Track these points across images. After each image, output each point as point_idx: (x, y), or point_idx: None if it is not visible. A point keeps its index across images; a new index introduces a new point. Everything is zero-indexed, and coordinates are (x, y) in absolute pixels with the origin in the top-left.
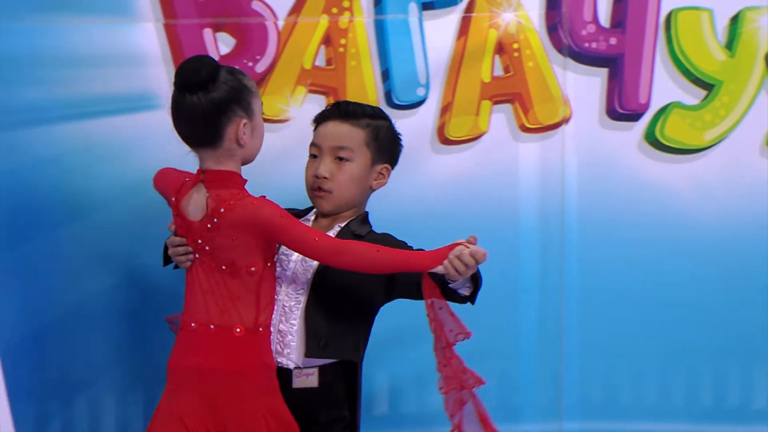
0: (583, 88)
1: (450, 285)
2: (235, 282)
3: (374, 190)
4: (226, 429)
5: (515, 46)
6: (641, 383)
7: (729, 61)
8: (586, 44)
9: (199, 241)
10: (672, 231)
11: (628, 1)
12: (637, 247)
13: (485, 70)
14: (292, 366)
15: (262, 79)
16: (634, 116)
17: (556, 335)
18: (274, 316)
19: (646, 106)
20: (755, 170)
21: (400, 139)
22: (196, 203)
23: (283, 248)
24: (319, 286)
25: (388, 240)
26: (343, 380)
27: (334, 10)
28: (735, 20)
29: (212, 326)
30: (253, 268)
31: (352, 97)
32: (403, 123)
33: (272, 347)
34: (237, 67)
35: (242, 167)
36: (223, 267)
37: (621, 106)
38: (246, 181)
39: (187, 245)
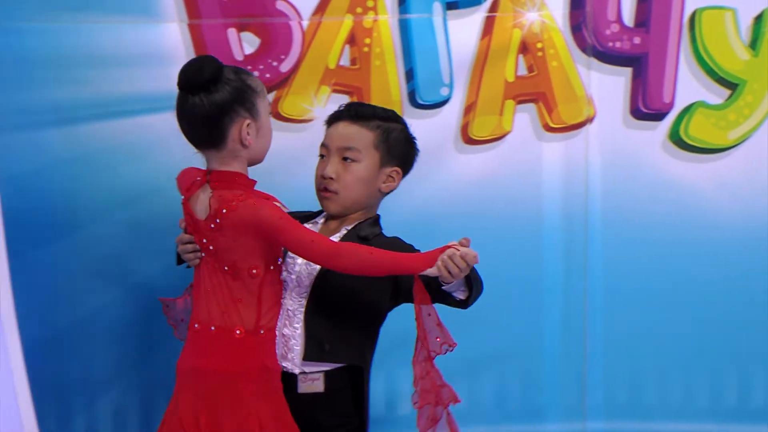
0: (607, 87)
1: (444, 287)
2: (236, 284)
3: (384, 194)
4: (221, 430)
5: (539, 45)
6: (665, 383)
7: (753, 60)
8: (610, 44)
9: (204, 241)
10: (696, 230)
11: (652, 1)
12: (661, 246)
13: (509, 69)
14: (297, 371)
15: (287, 78)
16: (659, 116)
17: (579, 335)
18: (279, 319)
19: (670, 106)
20: None
21: (414, 143)
22: (202, 203)
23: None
24: (320, 290)
25: (395, 243)
26: (349, 385)
27: (359, 10)
28: (759, 20)
29: (213, 327)
30: (254, 271)
31: (375, 96)
32: (426, 123)
33: (278, 351)
34: (261, 66)
35: (259, 166)
36: (225, 268)
37: (645, 106)
38: (254, 182)
39: (195, 243)
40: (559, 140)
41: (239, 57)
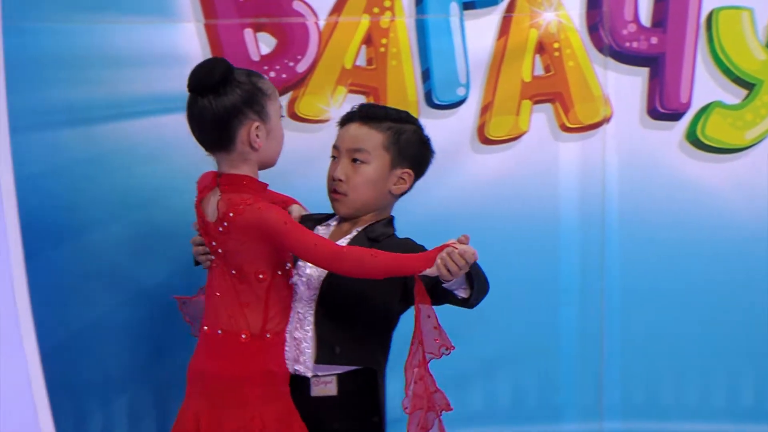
0: (623, 87)
1: (444, 285)
2: (243, 287)
3: (395, 195)
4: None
5: (556, 45)
6: (682, 383)
7: None
8: (627, 44)
9: (214, 244)
10: (713, 230)
11: (669, 1)
12: (677, 246)
13: (526, 69)
14: (309, 374)
15: (303, 78)
16: (675, 116)
17: (596, 335)
18: (290, 323)
19: (687, 106)
20: None
21: (428, 145)
22: (212, 206)
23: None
24: (329, 292)
25: (407, 245)
26: (363, 389)
27: (376, 10)
28: None
29: (220, 331)
30: (261, 276)
31: (392, 96)
32: (443, 123)
33: (290, 354)
34: (277, 66)
35: (275, 167)
36: (233, 272)
37: (662, 106)
38: (264, 185)
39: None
40: (575, 140)
41: (255, 57)
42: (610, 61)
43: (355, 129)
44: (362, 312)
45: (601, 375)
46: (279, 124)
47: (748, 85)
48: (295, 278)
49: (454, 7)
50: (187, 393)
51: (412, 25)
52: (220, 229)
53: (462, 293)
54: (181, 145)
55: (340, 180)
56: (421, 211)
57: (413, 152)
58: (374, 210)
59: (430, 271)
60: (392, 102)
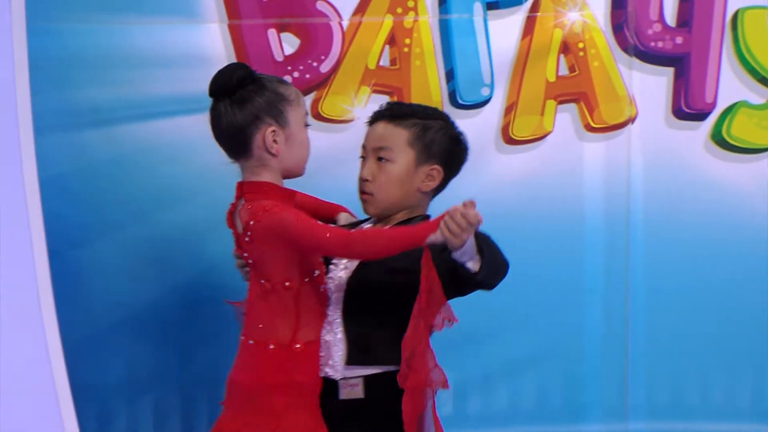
0: (649, 87)
1: (454, 256)
2: (273, 297)
3: (425, 193)
4: None
5: (580, 45)
6: (708, 383)
7: None
8: (652, 43)
9: (245, 255)
10: (738, 231)
11: (694, 1)
12: (702, 247)
13: (550, 69)
14: (338, 377)
15: (327, 79)
16: (701, 116)
17: (621, 335)
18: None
19: (713, 106)
20: None
21: (458, 141)
22: (240, 215)
23: (334, 258)
24: (354, 292)
25: None
26: (392, 390)
27: (399, 10)
28: None
29: (252, 341)
30: (287, 283)
31: (416, 97)
32: (467, 123)
33: (322, 359)
34: (301, 66)
35: (300, 174)
36: (262, 281)
37: (687, 106)
38: (290, 192)
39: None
40: (600, 140)
41: (279, 58)
42: (635, 61)
43: (381, 128)
44: (390, 311)
45: (625, 375)
46: (302, 130)
47: None
48: (328, 283)
49: (478, 7)
50: (224, 403)
51: (436, 25)
52: (246, 239)
53: (472, 265)
54: (205, 145)
55: (367, 180)
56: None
57: (441, 148)
58: (404, 208)
59: (435, 237)
60: (416, 102)
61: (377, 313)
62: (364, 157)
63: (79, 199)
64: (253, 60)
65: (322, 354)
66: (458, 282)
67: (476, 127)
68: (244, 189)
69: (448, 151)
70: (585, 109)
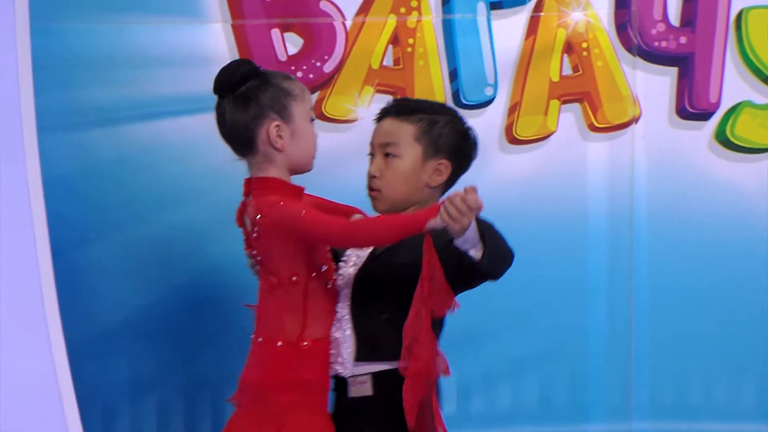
0: (652, 87)
1: (456, 244)
2: (281, 293)
3: (434, 188)
4: None
5: (584, 45)
6: (711, 383)
7: None
8: (656, 43)
9: (254, 252)
10: (742, 231)
11: (698, 0)
12: (706, 247)
13: (554, 69)
14: (347, 374)
15: (330, 79)
16: (705, 115)
17: (624, 335)
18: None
19: (717, 105)
20: None
21: (467, 135)
22: (248, 212)
23: (344, 254)
24: (361, 287)
25: (444, 236)
26: (400, 387)
27: (402, 10)
28: None
29: (261, 339)
30: (294, 278)
31: (419, 96)
32: (470, 123)
33: (332, 357)
34: (304, 66)
35: (308, 169)
36: (270, 277)
37: (691, 106)
38: (297, 188)
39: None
40: (604, 140)
41: (282, 57)
42: (639, 60)
43: (388, 123)
44: (399, 306)
45: (629, 375)
46: (307, 125)
47: None
48: (338, 280)
49: (481, 7)
50: (236, 402)
51: (439, 24)
52: (254, 235)
53: (475, 253)
54: (209, 145)
55: (375, 176)
56: None
57: (448, 142)
58: (413, 204)
59: (435, 222)
60: None
61: (385, 308)
62: (372, 155)
63: (83, 199)
64: (256, 60)
65: (332, 351)
66: (464, 273)
67: (480, 127)
68: (251, 185)
69: (455, 146)
70: (588, 109)
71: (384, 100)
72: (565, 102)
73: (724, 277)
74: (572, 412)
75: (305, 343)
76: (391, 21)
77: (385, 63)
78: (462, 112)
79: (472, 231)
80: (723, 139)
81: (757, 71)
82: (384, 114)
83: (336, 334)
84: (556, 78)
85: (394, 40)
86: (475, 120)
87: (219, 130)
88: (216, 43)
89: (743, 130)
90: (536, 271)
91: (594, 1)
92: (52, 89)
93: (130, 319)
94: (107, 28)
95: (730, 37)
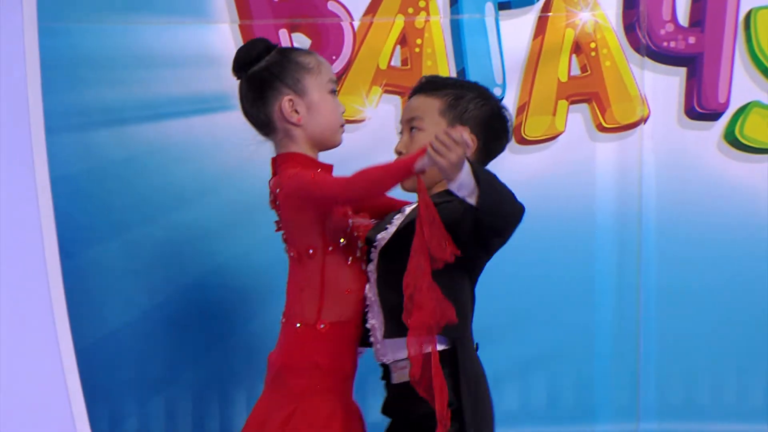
0: (661, 87)
1: (451, 188)
2: (300, 270)
3: None
4: (268, 424)
5: (592, 45)
6: (720, 384)
7: None
8: (665, 43)
9: (282, 232)
10: (751, 231)
11: (707, 0)
12: (715, 247)
13: (562, 69)
14: (387, 360)
15: (338, 79)
16: (714, 116)
17: (633, 335)
18: (368, 312)
19: (726, 106)
20: None
21: (495, 112)
22: (272, 190)
23: (375, 238)
24: (384, 262)
25: (458, 209)
26: (447, 368)
27: (410, 10)
28: None
29: (284, 319)
30: (311, 251)
31: None
32: None
33: (374, 346)
34: None
35: (334, 143)
36: (291, 254)
37: (700, 106)
38: (321, 164)
39: None
40: (612, 140)
41: None
42: (647, 60)
43: (416, 100)
44: None
45: (637, 375)
46: (325, 98)
47: None
48: (369, 267)
49: (490, 7)
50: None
51: (447, 25)
52: (277, 211)
53: (471, 200)
54: (216, 145)
55: (401, 153)
56: None
57: (474, 117)
58: (439, 179)
59: (423, 161)
60: None
61: None
62: (401, 132)
63: (90, 200)
64: None
65: (371, 339)
66: (478, 233)
67: None
68: (274, 163)
69: (482, 121)
70: (597, 109)
71: (392, 101)
72: (573, 102)
73: (732, 278)
74: (579, 412)
75: (322, 326)
76: (399, 21)
77: (392, 63)
78: None
79: (467, 175)
80: (732, 139)
81: (766, 71)
82: (414, 91)
83: (372, 321)
84: (564, 78)
85: (402, 41)
86: None
87: (242, 111)
88: (223, 44)
89: (752, 130)
90: (544, 271)
91: (602, 1)
92: (59, 90)
93: (138, 319)
94: (114, 28)
95: (739, 37)
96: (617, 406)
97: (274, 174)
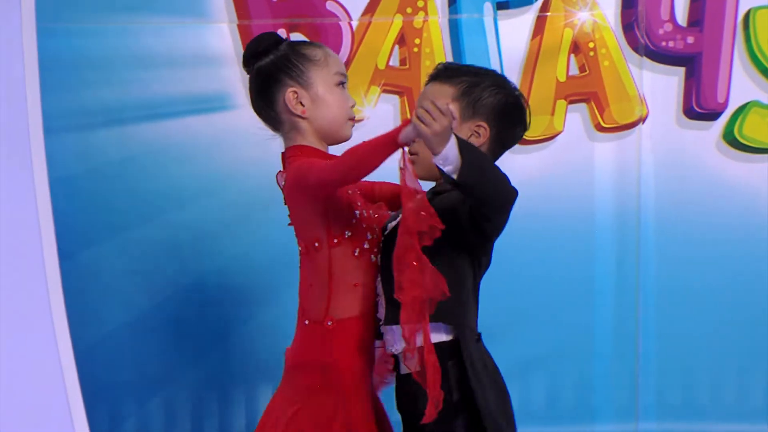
0: (659, 87)
1: (436, 162)
2: (309, 264)
3: None
4: (278, 422)
5: (591, 45)
6: (719, 384)
7: None
8: (663, 43)
9: (293, 227)
10: (750, 230)
11: (706, 0)
12: (714, 247)
13: (560, 69)
14: (396, 351)
15: None
16: (712, 115)
17: (632, 336)
18: (379, 309)
19: (724, 105)
20: None
21: (510, 101)
22: (281, 184)
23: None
24: (386, 251)
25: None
26: (446, 360)
27: (409, 10)
28: None
29: (298, 316)
30: (316, 244)
31: None
32: None
33: (384, 337)
34: None
35: (343, 137)
36: (300, 248)
37: (699, 105)
38: (328, 157)
39: None
40: (610, 140)
41: None
42: (646, 60)
43: (430, 87)
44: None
45: (636, 375)
46: (331, 90)
47: None
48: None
49: (488, 7)
50: None
51: (446, 25)
52: (286, 204)
53: (453, 174)
54: (215, 146)
55: (413, 141)
56: None
57: (488, 105)
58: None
59: (408, 130)
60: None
61: None
62: None
63: (89, 200)
64: None
65: (382, 331)
66: (471, 216)
67: None
68: (284, 158)
69: (496, 110)
70: (595, 109)
71: (390, 101)
72: (571, 102)
73: (731, 277)
74: (579, 412)
75: (329, 323)
76: (398, 21)
77: (391, 63)
78: None
79: (452, 148)
80: (731, 139)
81: (765, 71)
82: (430, 78)
83: (381, 311)
84: (562, 78)
85: (401, 40)
86: None
87: (252, 107)
88: (222, 44)
89: (751, 129)
90: (543, 271)
91: (601, 1)
92: (58, 90)
93: (137, 319)
94: (113, 28)
95: (738, 36)
96: (616, 406)
97: (284, 168)
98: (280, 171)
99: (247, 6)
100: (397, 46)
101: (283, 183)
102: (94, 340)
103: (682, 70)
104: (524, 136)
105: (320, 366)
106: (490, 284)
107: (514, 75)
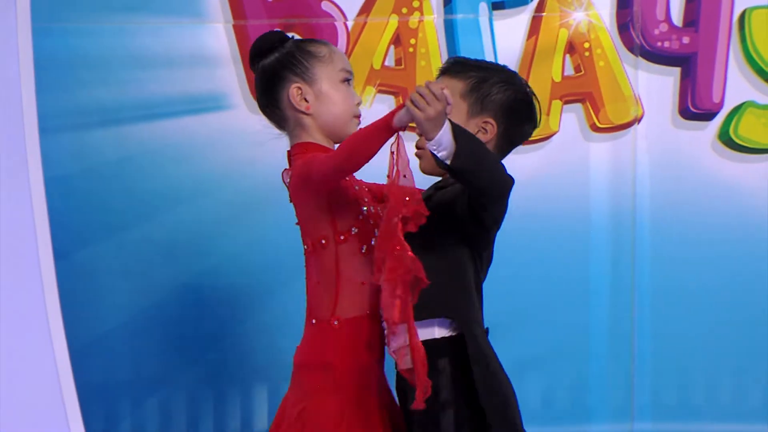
0: (655, 87)
1: (429, 148)
2: (315, 262)
3: None
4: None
5: (586, 45)
6: (714, 384)
7: None
8: (659, 43)
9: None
10: (745, 231)
11: (701, 0)
12: (709, 247)
13: (556, 69)
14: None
15: None
16: (708, 115)
17: (627, 336)
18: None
19: (720, 106)
20: None
21: (519, 97)
22: (286, 182)
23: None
24: None
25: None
26: (446, 357)
27: (404, 10)
28: None
29: (305, 316)
30: (323, 241)
31: None
32: None
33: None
34: None
35: (348, 134)
36: (306, 246)
37: (694, 106)
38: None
39: None
40: (606, 140)
41: None
42: (641, 60)
43: (440, 81)
44: (425, 260)
45: (631, 375)
46: (336, 87)
47: None
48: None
49: (483, 7)
50: None
51: (441, 25)
52: (292, 202)
53: (446, 159)
54: (211, 145)
55: (421, 136)
56: None
57: (496, 101)
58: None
59: (402, 114)
60: None
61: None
62: None
63: (85, 200)
64: None
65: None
66: (470, 206)
67: None
68: (290, 156)
69: (504, 106)
70: (591, 109)
71: (386, 101)
72: (567, 102)
73: (727, 278)
74: (574, 412)
75: (335, 323)
76: (393, 21)
77: (386, 63)
78: None
79: (446, 133)
80: (726, 139)
81: (760, 71)
82: (440, 73)
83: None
84: (558, 78)
85: (396, 41)
86: None
87: (258, 105)
88: (218, 44)
89: (746, 130)
90: (539, 271)
91: (596, 1)
92: (53, 90)
93: (133, 319)
94: (109, 28)
95: (734, 37)
96: (612, 406)
97: (290, 167)
98: (285, 169)
99: (242, 6)
100: (392, 47)
101: (288, 181)
102: (90, 340)
103: (677, 70)
104: None
105: (326, 366)
106: (486, 284)
107: None
